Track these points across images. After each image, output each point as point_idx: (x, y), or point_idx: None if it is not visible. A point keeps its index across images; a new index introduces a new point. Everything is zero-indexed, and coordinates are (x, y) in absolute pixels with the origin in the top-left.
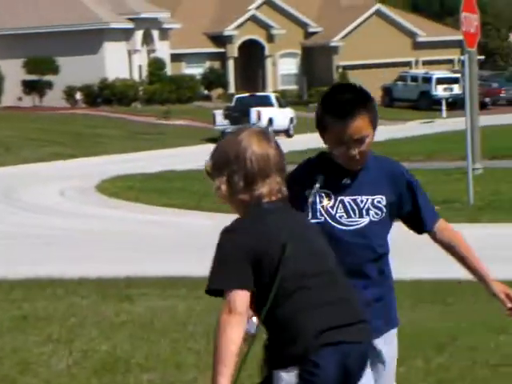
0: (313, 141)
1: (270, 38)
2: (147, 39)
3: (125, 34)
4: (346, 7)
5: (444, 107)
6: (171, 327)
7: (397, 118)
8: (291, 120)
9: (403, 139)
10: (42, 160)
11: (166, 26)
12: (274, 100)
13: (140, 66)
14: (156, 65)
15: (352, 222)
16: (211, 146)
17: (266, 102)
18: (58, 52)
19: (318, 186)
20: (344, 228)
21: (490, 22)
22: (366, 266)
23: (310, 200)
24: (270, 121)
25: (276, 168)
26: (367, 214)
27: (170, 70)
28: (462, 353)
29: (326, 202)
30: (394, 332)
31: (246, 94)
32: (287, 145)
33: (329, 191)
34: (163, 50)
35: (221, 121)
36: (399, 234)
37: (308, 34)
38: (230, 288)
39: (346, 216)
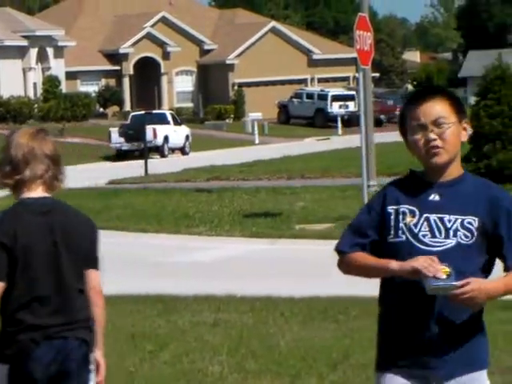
0: (209, 158)
1: (166, 56)
2: (42, 57)
3: (19, 52)
4: (241, 24)
5: (340, 124)
6: None
7: (293, 135)
8: (187, 137)
9: (299, 156)
10: None
11: (60, 43)
12: (169, 117)
13: (35, 84)
14: (51, 82)
15: (437, 242)
16: (107, 164)
17: (161, 119)
18: None
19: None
20: (427, 248)
21: (384, 39)
22: None
23: (392, 217)
24: (166, 138)
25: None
26: (454, 235)
27: (64, 87)
28: (355, 370)
29: (409, 219)
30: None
31: (142, 112)
32: (183, 162)
33: (413, 208)
34: (58, 67)
35: (116, 138)
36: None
37: (204, 52)
38: None
39: (430, 235)
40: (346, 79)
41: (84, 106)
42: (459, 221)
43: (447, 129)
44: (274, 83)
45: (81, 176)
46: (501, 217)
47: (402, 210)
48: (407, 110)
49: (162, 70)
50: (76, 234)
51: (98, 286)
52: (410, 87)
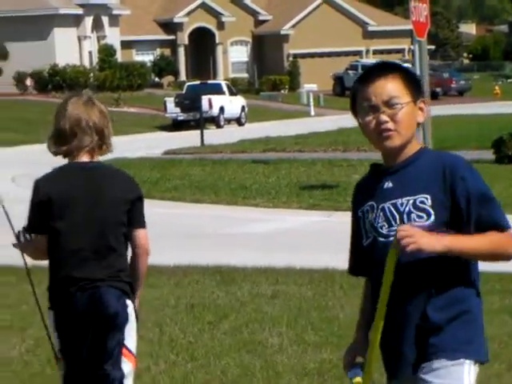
0: (265, 129)
1: (221, 26)
2: (97, 25)
3: (74, 20)
4: None
5: None
6: None
7: (348, 108)
8: (243, 108)
9: (354, 128)
10: None
11: (115, 12)
12: (225, 88)
13: (90, 53)
14: (106, 51)
15: (394, 231)
16: (163, 134)
17: (217, 89)
18: (7, 38)
19: None
20: (385, 240)
21: (440, 11)
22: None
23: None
24: (222, 109)
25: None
26: (408, 218)
27: (120, 56)
28: None
29: (370, 215)
30: None
31: (197, 82)
32: (239, 133)
33: (372, 202)
34: (113, 36)
35: (172, 108)
36: None
37: (258, 22)
38: None
39: (386, 225)
40: (401, 51)
41: (139, 75)
42: (411, 202)
43: (400, 110)
44: (328, 55)
45: (137, 146)
46: (457, 186)
47: (365, 209)
48: (358, 90)
49: (217, 40)
50: (115, 190)
51: (145, 244)
52: (465, 60)
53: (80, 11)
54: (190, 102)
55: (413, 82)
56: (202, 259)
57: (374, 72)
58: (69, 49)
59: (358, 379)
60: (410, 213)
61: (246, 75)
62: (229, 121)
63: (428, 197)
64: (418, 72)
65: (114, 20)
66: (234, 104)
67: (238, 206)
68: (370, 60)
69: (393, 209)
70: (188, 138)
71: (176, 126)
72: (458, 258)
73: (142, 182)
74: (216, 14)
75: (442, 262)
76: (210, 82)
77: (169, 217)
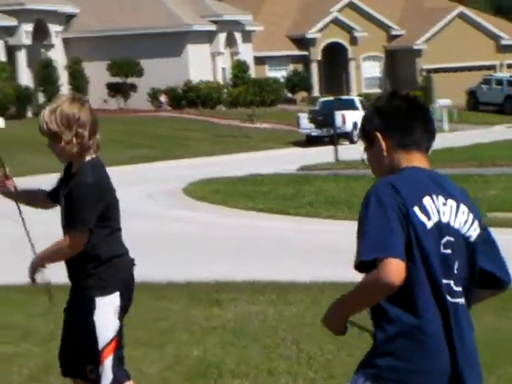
0: None
1: (353, 41)
2: (230, 41)
3: (208, 37)
4: (428, 9)
5: None
6: (261, 333)
7: (482, 122)
8: None
9: (490, 143)
10: (128, 162)
11: (248, 28)
12: (358, 103)
13: (223, 69)
14: (239, 67)
15: None
16: (296, 149)
17: (350, 105)
18: (141, 55)
19: None
20: None
21: None
22: None
23: None
24: (355, 124)
25: None
26: None
27: (253, 72)
28: None
29: None
30: None
31: (331, 98)
32: None
33: None
34: (246, 52)
35: (305, 124)
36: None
37: (391, 37)
38: None
39: None
40: None
41: (273, 91)
42: None
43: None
44: (461, 69)
45: (271, 162)
46: None
47: None
48: None
49: (350, 56)
50: None
51: None
52: None
53: (213, 28)
54: (323, 117)
55: None
56: (339, 275)
57: None
58: (202, 65)
59: None
60: None
61: (378, 90)
62: None
63: None
64: None
65: (247, 36)
66: None
67: None
68: (504, 74)
69: None
70: (321, 154)
71: (309, 141)
72: None
73: (277, 198)
74: (349, 30)
75: None
76: (343, 97)
77: (303, 233)
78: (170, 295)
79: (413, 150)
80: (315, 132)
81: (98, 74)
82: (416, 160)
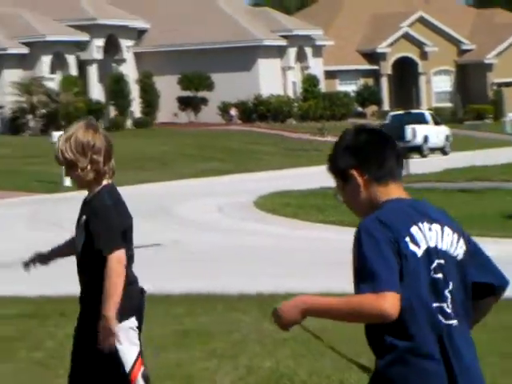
0: (468, 158)
1: (424, 56)
2: (300, 56)
3: (278, 51)
4: (499, 24)
5: None
6: (333, 344)
7: None
8: (447, 138)
9: None
10: (198, 176)
11: (319, 43)
12: (429, 117)
13: (294, 83)
14: (310, 81)
15: None
16: None
17: (420, 119)
18: (212, 69)
19: None
20: None
21: None
22: None
23: None
24: (426, 138)
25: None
26: None
27: (323, 86)
28: None
29: None
30: None
31: (401, 112)
32: (443, 162)
33: None
34: (317, 66)
35: None
36: None
37: (461, 51)
38: None
39: None
40: None
41: (343, 105)
42: None
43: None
44: None
45: None
46: None
47: None
48: None
49: (420, 70)
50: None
51: None
52: None
53: (284, 43)
54: (394, 131)
55: None
56: None
57: None
58: (272, 79)
59: None
60: None
61: (449, 104)
62: (433, 150)
63: None
64: None
65: (318, 51)
66: (438, 133)
67: None
68: None
69: None
70: None
71: None
72: None
73: (347, 210)
74: (419, 44)
75: None
76: (413, 111)
77: None
78: (241, 307)
79: (389, 181)
80: None
81: (168, 87)
82: (393, 191)
